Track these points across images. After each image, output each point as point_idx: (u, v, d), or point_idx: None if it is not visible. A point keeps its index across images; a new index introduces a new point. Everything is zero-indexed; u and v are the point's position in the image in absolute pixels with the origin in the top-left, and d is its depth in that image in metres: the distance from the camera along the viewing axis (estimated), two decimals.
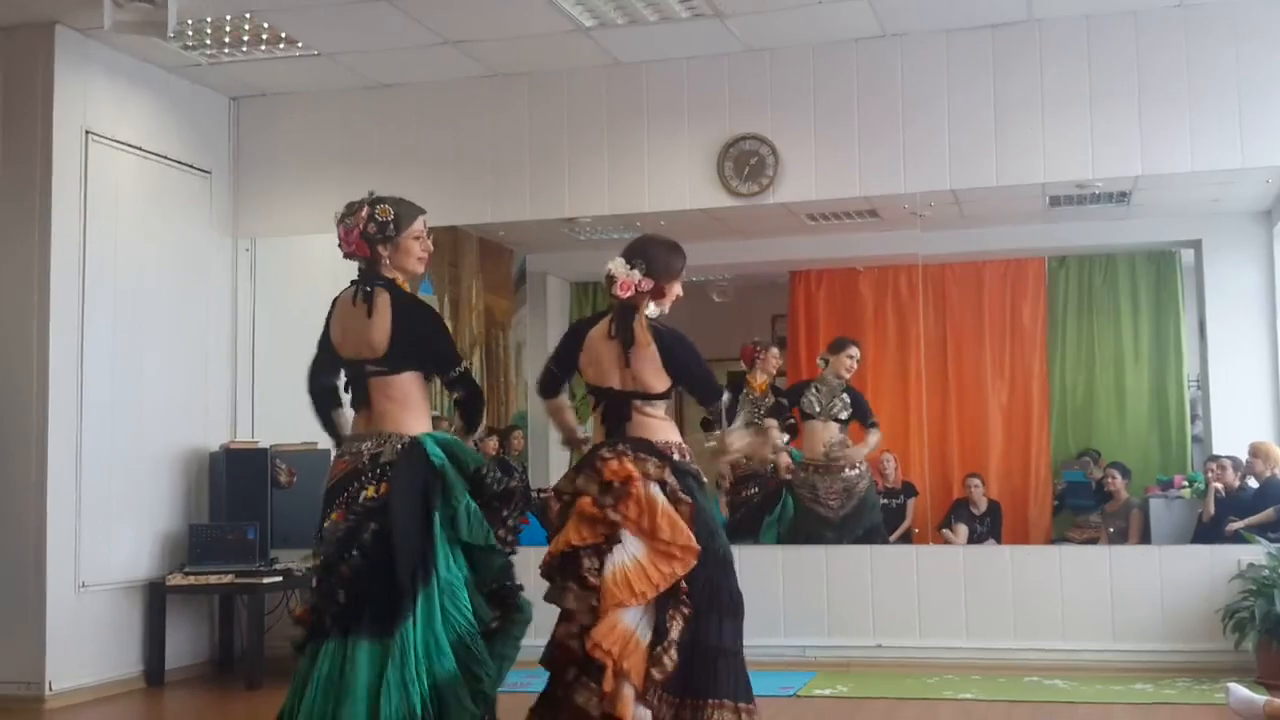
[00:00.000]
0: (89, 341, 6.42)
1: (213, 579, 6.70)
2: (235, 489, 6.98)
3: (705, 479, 4.37)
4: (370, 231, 4.00)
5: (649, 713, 4.01)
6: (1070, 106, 6.62)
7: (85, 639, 6.30)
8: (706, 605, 4.14)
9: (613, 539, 4.12)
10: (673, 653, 4.02)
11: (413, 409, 4.02)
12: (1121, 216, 7.79)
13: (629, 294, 4.33)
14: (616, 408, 4.33)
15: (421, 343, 4.05)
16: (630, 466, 4.17)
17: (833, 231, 7.98)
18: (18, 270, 6.27)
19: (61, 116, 6.33)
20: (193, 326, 7.15)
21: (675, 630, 4.04)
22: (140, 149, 6.84)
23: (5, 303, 6.28)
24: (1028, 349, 8.34)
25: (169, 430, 6.94)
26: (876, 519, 7.69)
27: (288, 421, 7.14)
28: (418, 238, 4.07)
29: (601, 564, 4.10)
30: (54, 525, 6.16)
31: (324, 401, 4.21)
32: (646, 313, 4.35)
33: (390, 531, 3.85)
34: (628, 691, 3.98)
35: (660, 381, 4.33)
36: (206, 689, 6.71)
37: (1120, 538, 7.47)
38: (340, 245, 4.08)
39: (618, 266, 4.36)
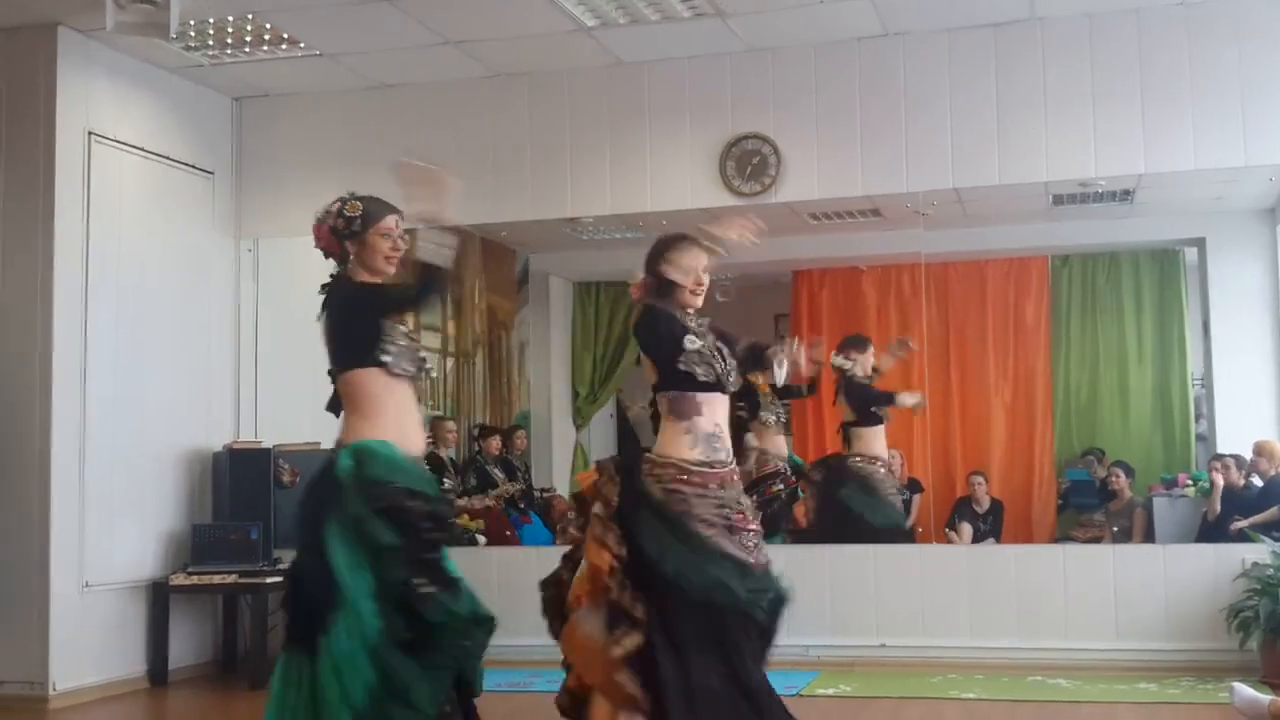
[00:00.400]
0: (92, 342, 6.43)
1: (216, 579, 6.70)
2: (238, 489, 6.98)
3: (664, 500, 4.15)
4: (338, 227, 3.95)
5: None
6: (1073, 105, 6.61)
7: (89, 639, 6.31)
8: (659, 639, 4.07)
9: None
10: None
11: (361, 413, 3.86)
12: (1125, 215, 7.79)
13: (639, 295, 4.32)
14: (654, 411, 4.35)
15: (336, 315, 3.92)
16: (590, 482, 4.27)
17: (835, 231, 7.98)
18: (22, 271, 6.28)
19: (64, 117, 6.34)
20: (196, 327, 7.15)
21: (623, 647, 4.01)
22: (143, 150, 6.85)
23: (9, 304, 6.28)
24: (1031, 348, 8.34)
25: (172, 430, 6.95)
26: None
27: (290, 421, 7.18)
28: (384, 235, 3.94)
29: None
30: (58, 525, 6.17)
31: None
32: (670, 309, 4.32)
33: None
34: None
35: (652, 371, 4.26)
36: (210, 689, 6.72)
37: (1124, 537, 7.46)
38: (316, 241, 4.03)
39: (637, 276, 4.37)
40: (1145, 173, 6.66)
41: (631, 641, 3.99)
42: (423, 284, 3.89)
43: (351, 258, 3.98)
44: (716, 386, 4.22)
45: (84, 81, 6.47)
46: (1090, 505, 8.03)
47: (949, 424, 8.23)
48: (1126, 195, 7.41)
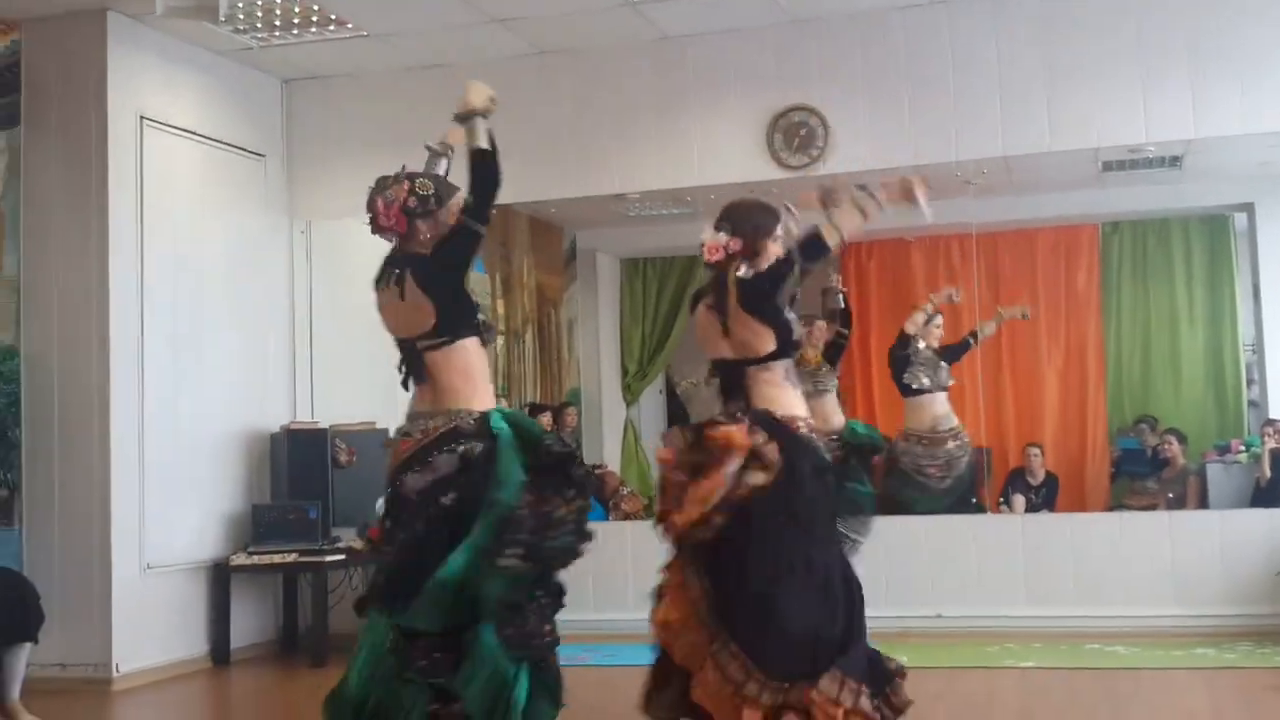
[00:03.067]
0: (149, 327, 6.49)
1: (276, 558, 6.77)
2: (296, 469, 7.05)
3: (828, 458, 4.15)
4: (411, 206, 3.95)
5: None
6: (1122, 69, 6.52)
7: (151, 620, 6.38)
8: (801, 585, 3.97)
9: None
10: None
11: (475, 381, 3.99)
12: (1174, 181, 7.73)
13: (717, 257, 4.22)
14: (730, 378, 4.14)
15: (442, 257, 3.98)
16: (737, 437, 3.95)
17: None
18: (78, 257, 6.33)
19: (116, 102, 6.38)
20: (251, 309, 7.20)
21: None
22: (194, 133, 6.89)
23: (66, 290, 6.35)
24: (1082, 316, 8.30)
25: (230, 412, 7.01)
26: (967, 490, 7.63)
27: (347, 402, 7.26)
28: (454, 212, 3.99)
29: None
30: (118, 509, 6.23)
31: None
32: (739, 274, 4.25)
33: (466, 505, 3.84)
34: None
35: (763, 341, 4.08)
36: (272, 667, 6.79)
37: (1178, 504, 7.43)
38: (376, 219, 4.01)
39: (707, 233, 4.27)
40: (1194, 138, 6.59)
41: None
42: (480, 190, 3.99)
43: (424, 236, 3.98)
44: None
45: (134, 66, 6.51)
46: (1141, 473, 8.00)
47: (1000, 395, 8.21)
48: (1176, 161, 7.35)
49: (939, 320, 7.61)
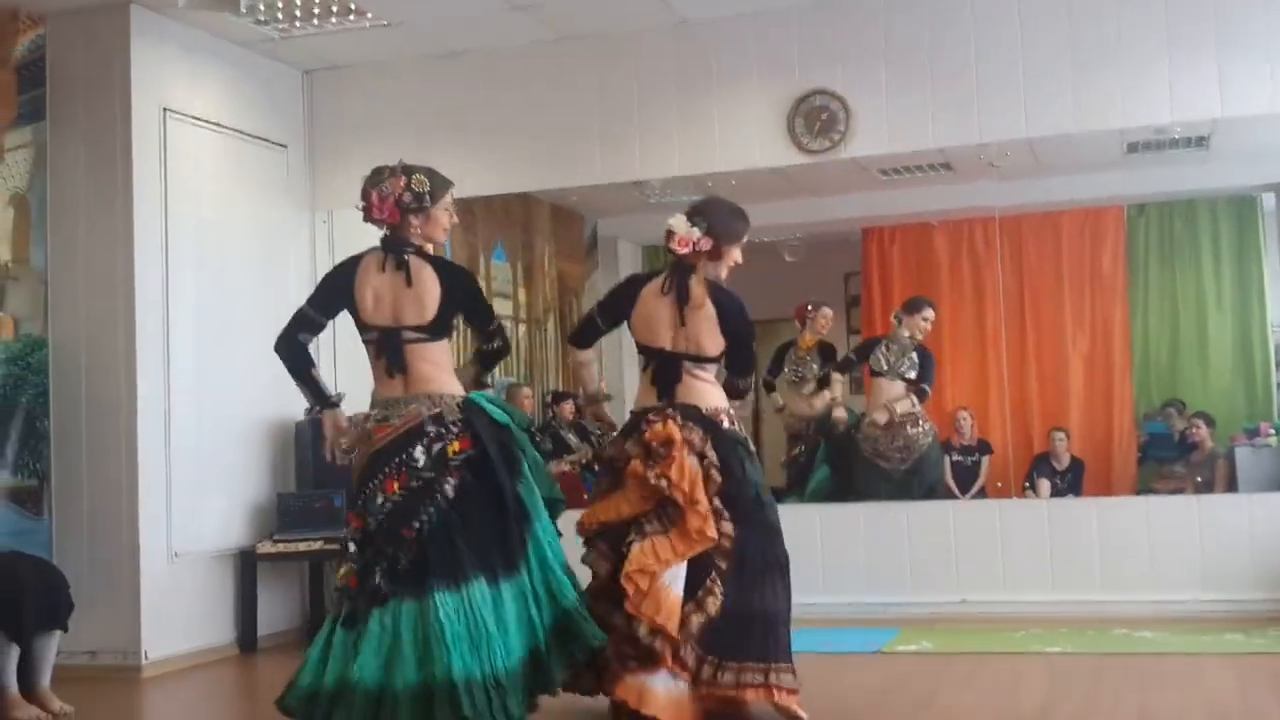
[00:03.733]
0: (174, 317, 6.52)
1: (301, 546, 6.80)
2: (320, 458, 6.97)
3: (753, 446, 4.42)
4: (405, 200, 4.08)
5: (682, 683, 4.07)
6: (1147, 49, 6.44)
7: (179, 608, 6.42)
8: (761, 573, 4.20)
9: (661, 505, 4.18)
10: (703, 614, 4.11)
11: (448, 371, 4.15)
12: (1201, 161, 7.67)
13: (686, 250, 4.31)
14: (666, 369, 4.32)
15: (469, 300, 4.21)
16: (674, 430, 4.18)
17: (905, 186, 7.91)
18: (103, 248, 6.38)
19: (139, 95, 6.41)
20: (274, 299, 7.21)
21: (710, 603, 4.12)
22: (217, 124, 6.92)
23: (92, 280, 6.39)
24: (1108, 299, 8.24)
25: (254, 402, 7.03)
26: (936, 476, 7.67)
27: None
28: (446, 209, 4.16)
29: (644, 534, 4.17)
30: (145, 498, 6.27)
31: (303, 360, 4.31)
32: (705, 274, 4.34)
33: (481, 481, 3.97)
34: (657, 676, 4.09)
35: (714, 343, 4.31)
36: (298, 655, 6.73)
37: (1206, 488, 7.39)
38: (370, 209, 4.14)
39: (678, 223, 4.34)
40: (1221, 117, 6.51)
41: (713, 607, 4.11)
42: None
43: (415, 230, 4.12)
44: None
45: (157, 58, 6.55)
46: (1169, 458, 7.95)
47: (1025, 379, 8.16)
48: (1202, 141, 7.28)
49: (928, 313, 7.65)
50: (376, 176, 4.17)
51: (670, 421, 4.20)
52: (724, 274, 4.44)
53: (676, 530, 4.13)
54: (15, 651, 5.15)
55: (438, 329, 4.12)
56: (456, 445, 4.01)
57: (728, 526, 4.17)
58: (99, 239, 6.39)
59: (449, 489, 3.96)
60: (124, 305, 6.33)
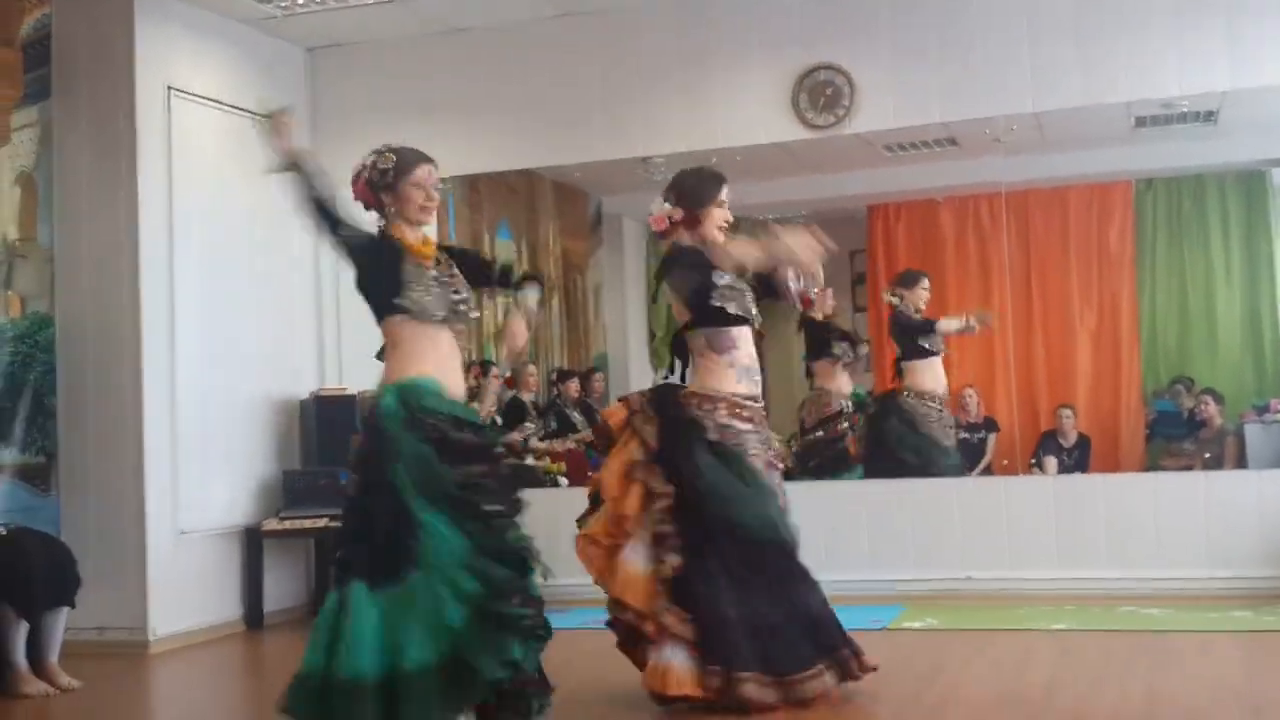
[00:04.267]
0: (179, 295, 6.54)
1: (307, 523, 6.83)
2: (325, 435, 7.09)
3: (719, 436, 4.26)
4: (373, 179, 3.98)
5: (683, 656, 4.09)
6: (1155, 20, 6.41)
7: (186, 585, 6.45)
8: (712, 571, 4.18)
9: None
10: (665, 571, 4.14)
11: (401, 355, 3.91)
12: (1209, 136, 7.60)
13: (662, 228, 4.33)
14: (678, 346, 4.38)
15: (373, 270, 3.96)
16: (619, 414, 4.30)
17: (911, 162, 7.87)
18: (109, 226, 6.39)
19: (144, 74, 6.41)
20: (278, 277, 7.25)
21: (670, 560, 4.14)
22: (220, 102, 6.92)
23: (97, 259, 6.41)
24: (1115, 276, 8.17)
25: (259, 380, 7.06)
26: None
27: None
28: (417, 185, 3.96)
29: None
30: (152, 475, 6.30)
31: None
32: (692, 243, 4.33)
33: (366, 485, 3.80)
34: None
35: (681, 310, 4.32)
36: (304, 631, 6.74)
37: (1215, 464, 7.35)
38: (355, 195, 4.07)
39: (654, 205, 4.36)
40: (1230, 89, 6.47)
41: (673, 561, 4.11)
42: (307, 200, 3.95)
43: (390, 209, 4.00)
44: (746, 320, 4.28)
45: (162, 37, 6.54)
46: (1178, 435, 7.90)
47: (1032, 356, 8.11)
48: (1210, 115, 7.23)
49: (925, 283, 7.60)
50: (360, 161, 4.09)
51: (625, 404, 4.32)
52: (717, 237, 4.37)
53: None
54: (24, 627, 5.19)
55: (374, 311, 3.97)
56: (355, 440, 3.92)
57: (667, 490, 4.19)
58: (105, 217, 6.40)
59: (351, 488, 3.89)
60: (130, 283, 6.34)
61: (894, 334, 7.72)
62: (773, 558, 4.25)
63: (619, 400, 4.44)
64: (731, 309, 4.28)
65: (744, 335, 4.33)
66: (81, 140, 6.44)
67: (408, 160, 3.99)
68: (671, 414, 4.23)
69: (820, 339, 7.97)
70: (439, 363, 3.91)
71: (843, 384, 7.96)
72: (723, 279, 4.27)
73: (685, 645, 4.11)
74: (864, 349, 8.19)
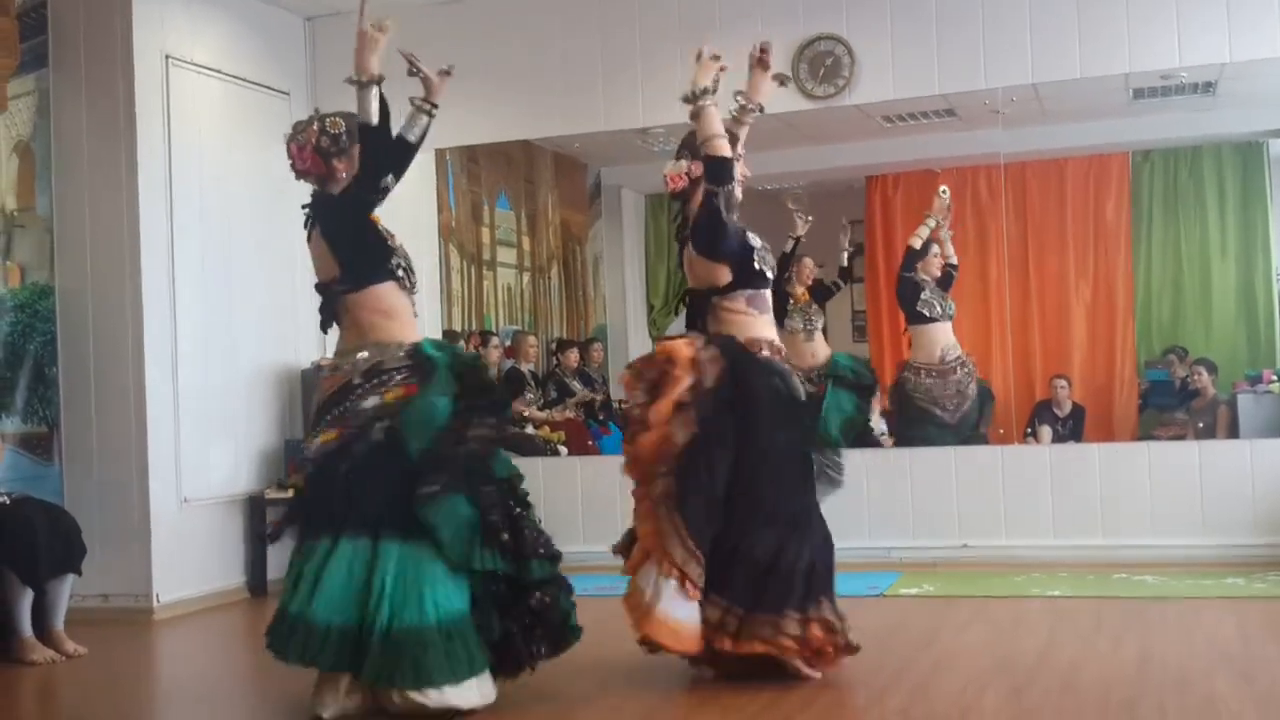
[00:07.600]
0: (179, 264, 6.54)
1: None
2: None
3: (794, 379, 4.31)
4: (323, 145, 3.93)
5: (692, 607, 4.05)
6: None
7: (190, 553, 6.49)
8: (748, 511, 4.11)
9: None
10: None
11: (400, 319, 3.94)
12: (1207, 108, 7.63)
13: (680, 185, 4.28)
14: (695, 307, 4.31)
15: (340, 223, 3.95)
16: (681, 349, 4.08)
17: (910, 133, 7.89)
18: (108, 196, 6.38)
19: (141, 42, 6.38)
20: (278, 246, 7.22)
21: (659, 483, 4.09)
22: (219, 72, 6.90)
23: (97, 230, 6.40)
24: (1112, 246, 8.21)
25: (260, 349, 7.08)
26: (985, 413, 7.68)
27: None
28: None
29: None
30: (155, 445, 6.32)
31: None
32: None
33: (401, 432, 3.79)
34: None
35: (719, 274, 4.22)
36: None
37: (1208, 434, 7.40)
38: (292, 164, 4.00)
39: (668, 166, 4.35)
40: (1229, 61, 6.49)
41: (662, 484, 4.06)
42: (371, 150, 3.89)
43: (343, 175, 3.95)
44: (770, 282, 4.36)
45: (159, 5, 6.51)
46: (1170, 405, 7.95)
47: (1028, 325, 8.16)
48: (1209, 87, 7.25)
49: (936, 250, 7.63)
50: (296, 129, 4.03)
51: (686, 340, 4.14)
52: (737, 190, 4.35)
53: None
54: (29, 595, 5.23)
55: (348, 279, 3.93)
56: (390, 395, 3.83)
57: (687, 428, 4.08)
58: (103, 186, 6.39)
59: (376, 436, 3.83)
60: (129, 252, 6.34)
61: (899, 300, 7.81)
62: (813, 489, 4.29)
63: (677, 337, 4.29)
64: (768, 273, 4.32)
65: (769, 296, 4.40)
66: (79, 109, 6.42)
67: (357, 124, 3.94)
68: (739, 354, 4.16)
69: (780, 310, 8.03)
70: (417, 333, 3.97)
71: (804, 354, 7.89)
72: (757, 241, 4.29)
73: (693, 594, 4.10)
74: (819, 319, 8.12)
